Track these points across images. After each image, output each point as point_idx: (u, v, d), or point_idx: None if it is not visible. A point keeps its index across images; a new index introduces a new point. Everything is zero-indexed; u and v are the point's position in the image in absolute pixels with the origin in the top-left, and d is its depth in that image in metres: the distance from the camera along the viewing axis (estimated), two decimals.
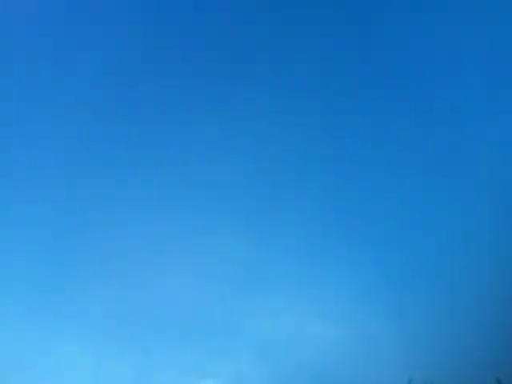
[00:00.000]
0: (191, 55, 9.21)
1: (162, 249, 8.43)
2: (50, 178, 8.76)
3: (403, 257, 8.68)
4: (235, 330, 8.07)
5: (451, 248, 8.64)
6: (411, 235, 8.99)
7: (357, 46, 9.44)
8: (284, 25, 9.12)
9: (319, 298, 8.45)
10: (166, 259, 8.34)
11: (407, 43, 9.30)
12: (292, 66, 9.32)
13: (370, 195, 9.01)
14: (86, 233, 8.60)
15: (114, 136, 9.16)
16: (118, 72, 9.08)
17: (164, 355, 7.89)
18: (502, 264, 8.07)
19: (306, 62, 9.39)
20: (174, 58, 9.19)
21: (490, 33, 9.03)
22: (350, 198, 9.07)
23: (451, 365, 7.56)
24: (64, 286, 8.29)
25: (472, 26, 9.09)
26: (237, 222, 8.78)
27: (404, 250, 8.77)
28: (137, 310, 8.14)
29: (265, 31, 9.10)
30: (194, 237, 8.73)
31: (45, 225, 8.50)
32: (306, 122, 9.25)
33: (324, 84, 9.13)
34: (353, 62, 9.45)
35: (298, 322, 8.39)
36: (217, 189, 8.95)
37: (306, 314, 8.37)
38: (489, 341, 7.63)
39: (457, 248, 8.56)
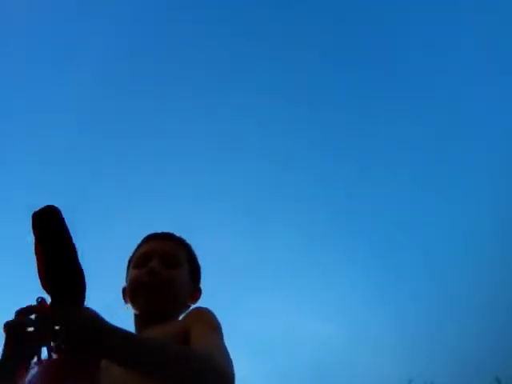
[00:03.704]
0: (191, 60, 9.18)
1: None
2: (44, 181, 8.73)
3: (404, 256, 8.67)
4: (232, 328, 8.02)
5: (452, 247, 8.64)
6: (412, 234, 8.98)
7: (355, 47, 9.43)
8: (283, 26, 9.10)
9: (318, 297, 8.43)
10: None
11: (407, 43, 9.30)
12: (291, 69, 9.30)
13: (371, 194, 9.01)
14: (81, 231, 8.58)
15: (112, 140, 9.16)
16: (111, 79, 9.03)
17: None
18: (503, 263, 8.05)
19: (305, 62, 9.38)
20: (171, 63, 9.15)
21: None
22: (350, 196, 9.06)
23: (451, 365, 7.53)
24: None
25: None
26: (235, 219, 8.76)
27: (405, 249, 8.77)
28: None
29: (263, 34, 9.08)
30: (191, 235, 8.69)
31: None
32: (307, 119, 9.25)
33: (322, 86, 9.11)
34: (351, 64, 9.44)
35: (296, 320, 8.38)
36: (215, 187, 8.93)
37: (305, 313, 8.36)
38: (489, 341, 7.59)
39: (458, 247, 8.56)
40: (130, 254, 1.39)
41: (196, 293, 1.34)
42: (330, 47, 9.20)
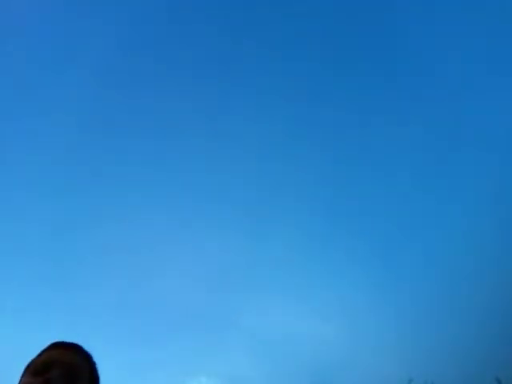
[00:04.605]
0: (188, 63, 9.16)
1: (157, 247, 8.42)
2: (46, 183, 8.73)
3: (404, 256, 8.66)
4: (232, 328, 8.05)
5: (453, 248, 8.61)
6: (412, 234, 8.97)
7: (356, 47, 9.42)
8: (283, 26, 9.10)
9: (318, 297, 8.43)
10: (161, 257, 8.33)
11: (406, 43, 9.29)
12: (291, 69, 9.29)
13: (371, 195, 9.00)
14: (79, 232, 8.59)
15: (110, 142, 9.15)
16: (111, 79, 9.03)
17: (159, 351, 7.87)
18: (503, 263, 8.04)
19: (305, 63, 9.37)
20: (168, 66, 9.13)
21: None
22: (351, 197, 9.05)
23: (451, 365, 7.51)
24: (55, 284, 8.28)
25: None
26: (235, 219, 8.76)
27: (405, 249, 8.75)
28: (132, 307, 8.12)
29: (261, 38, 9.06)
30: (191, 234, 8.70)
31: (44, 221, 8.50)
32: (307, 119, 9.24)
33: (322, 86, 9.11)
34: (352, 64, 9.43)
35: (296, 320, 8.36)
36: (215, 188, 8.93)
37: (305, 313, 8.35)
38: (489, 341, 7.58)
39: (458, 248, 8.54)
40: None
41: None
42: (331, 48, 9.21)
